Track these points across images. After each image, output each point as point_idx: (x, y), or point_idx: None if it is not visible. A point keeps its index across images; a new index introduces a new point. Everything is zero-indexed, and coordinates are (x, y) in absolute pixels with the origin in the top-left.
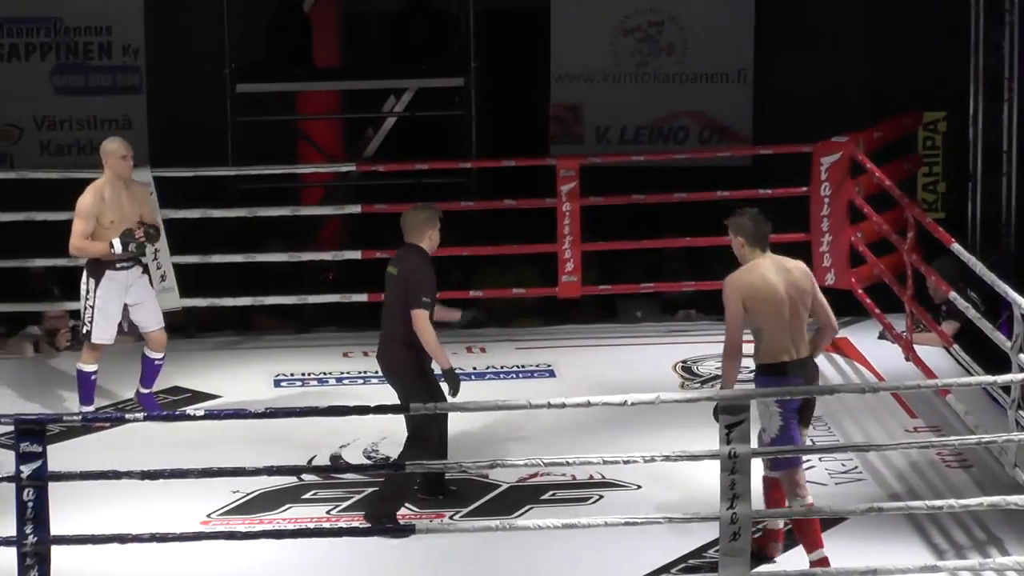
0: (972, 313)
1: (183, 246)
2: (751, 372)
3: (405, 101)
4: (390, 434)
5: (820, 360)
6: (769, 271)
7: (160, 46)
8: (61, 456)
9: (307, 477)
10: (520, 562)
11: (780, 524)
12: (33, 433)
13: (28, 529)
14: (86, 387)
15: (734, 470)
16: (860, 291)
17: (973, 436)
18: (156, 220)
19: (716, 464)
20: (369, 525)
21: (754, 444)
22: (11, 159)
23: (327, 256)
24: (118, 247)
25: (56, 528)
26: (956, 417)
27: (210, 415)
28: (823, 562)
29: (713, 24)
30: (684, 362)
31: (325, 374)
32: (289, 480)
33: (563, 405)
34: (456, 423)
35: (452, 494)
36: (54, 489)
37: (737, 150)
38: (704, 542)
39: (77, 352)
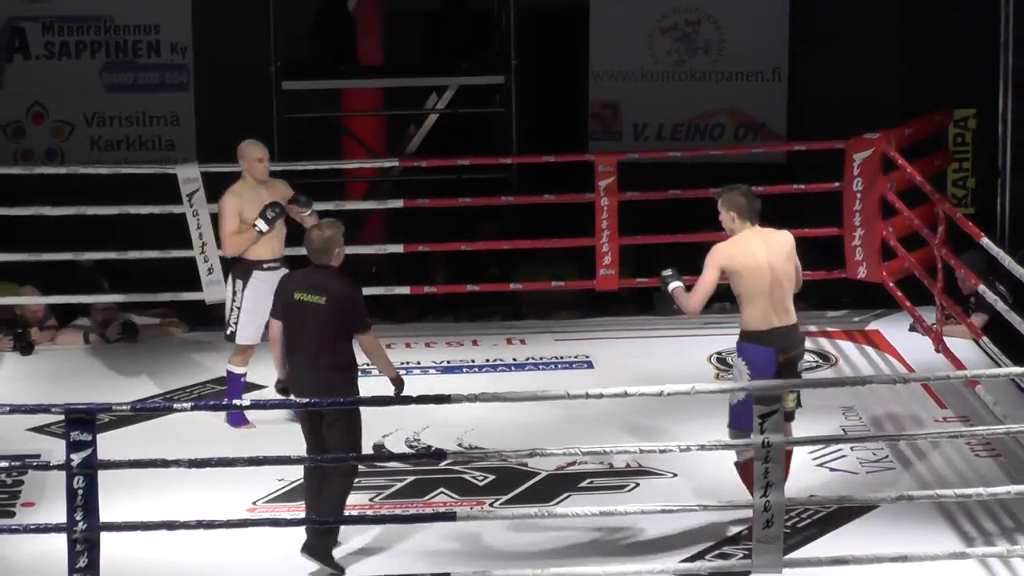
0: (1001, 306)
1: None
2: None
3: (447, 98)
4: (432, 424)
5: (852, 352)
6: (754, 243)
7: (207, 44)
8: (111, 445)
9: None
10: (558, 548)
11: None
12: (83, 422)
13: (78, 516)
14: (235, 387)
15: (767, 459)
16: (891, 284)
17: (1001, 426)
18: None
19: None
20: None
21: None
22: (62, 155)
23: (370, 250)
24: (262, 225)
25: (105, 515)
26: (985, 407)
27: (256, 404)
28: None
29: (748, 23)
30: (719, 354)
31: (368, 365)
32: None
33: (600, 396)
34: (496, 413)
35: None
36: (103, 477)
37: (772, 147)
38: (738, 529)
39: (127, 343)
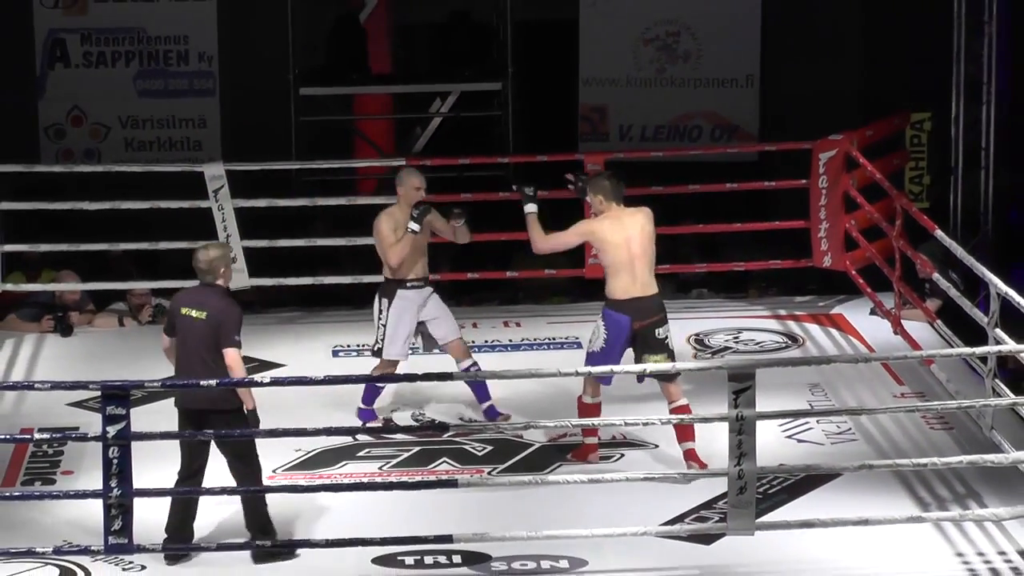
0: (953, 292)
1: (252, 232)
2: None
3: (449, 103)
4: (435, 399)
5: (817, 334)
6: (617, 220)
7: (231, 54)
8: (144, 418)
9: (361, 437)
10: (550, 513)
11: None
12: (118, 397)
13: (113, 483)
14: (371, 392)
15: (741, 431)
16: (854, 272)
17: (954, 401)
18: (452, 236)
19: (725, 426)
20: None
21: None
22: (99, 154)
23: None
24: (413, 225)
25: (138, 482)
26: (939, 384)
27: (276, 382)
28: (691, 453)
29: (724, 34)
30: (697, 335)
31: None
32: (345, 440)
33: (589, 373)
34: (494, 389)
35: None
36: (136, 448)
37: (745, 147)
38: (714, 495)
39: (158, 325)
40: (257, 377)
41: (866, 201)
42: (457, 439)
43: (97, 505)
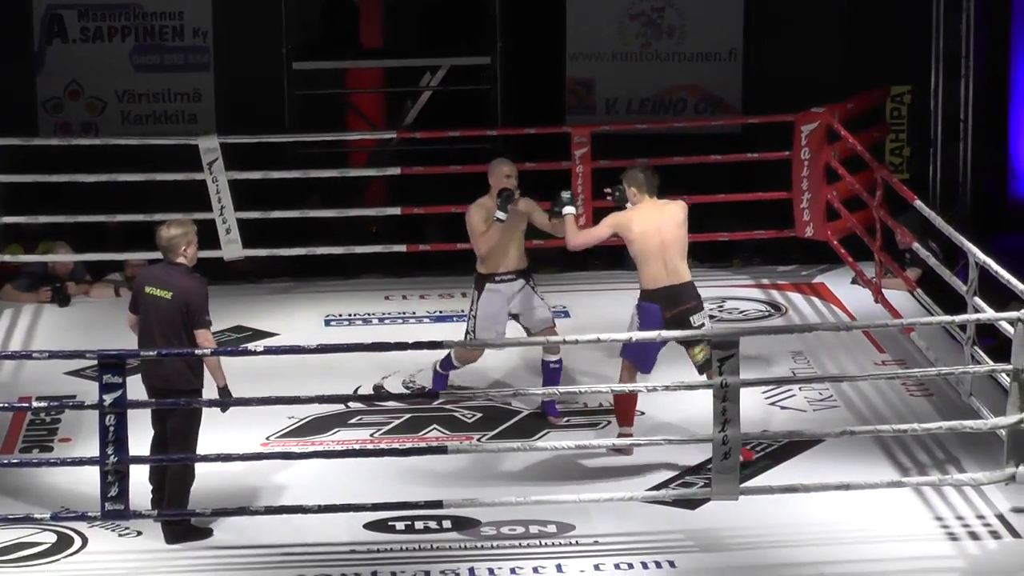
0: (933, 261)
1: (246, 203)
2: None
3: (439, 77)
4: (426, 367)
5: (800, 302)
6: (648, 211)
7: (226, 29)
8: (139, 387)
9: (353, 405)
10: (538, 479)
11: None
12: (114, 366)
13: (110, 450)
14: (442, 378)
15: (725, 398)
16: (835, 242)
17: (933, 368)
18: (546, 226)
19: (709, 393)
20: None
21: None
22: (96, 128)
23: (371, 212)
24: (500, 215)
25: (134, 450)
26: (919, 352)
27: (269, 350)
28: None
29: (708, 9)
30: None
31: (369, 314)
32: (337, 407)
33: (576, 341)
34: (485, 358)
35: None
36: (132, 416)
37: (728, 120)
38: (699, 460)
39: None
40: (250, 346)
41: (847, 172)
42: (447, 406)
43: (94, 472)
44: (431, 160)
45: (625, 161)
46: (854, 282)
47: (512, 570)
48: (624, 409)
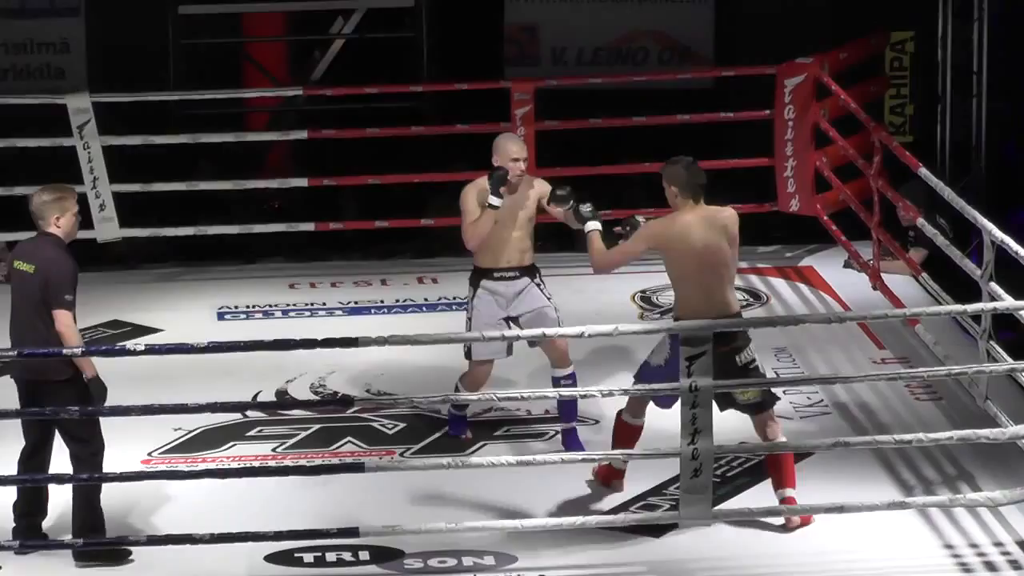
0: (941, 240)
1: (123, 174)
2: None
3: (354, 22)
4: (339, 368)
5: (784, 289)
6: (693, 225)
7: None
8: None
9: (252, 414)
10: (473, 501)
11: (623, 465)
12: None
13: None
14: (459, 420)
15: (695, 404)
16: (825, 217)
17: (943, 367)
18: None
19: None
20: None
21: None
22: None
23: (272, 184)
24: (493, 200)
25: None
26: (925, 348)
27: (151, 349)
28: (789, 500)
29: None
30: (643, 292)
31: (271, 306)
32: (234, 417)
33: (517, 337)
34: (407, 357)
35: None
36: None
37: (698, 72)
38: (665, 479)
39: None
40: (130, 344)
41: (839, 135)
42: (364, 415)
43: None
44: (344, 122)
45: (574, 122)
46: (848, 265)
47: None
48: (624, 444)
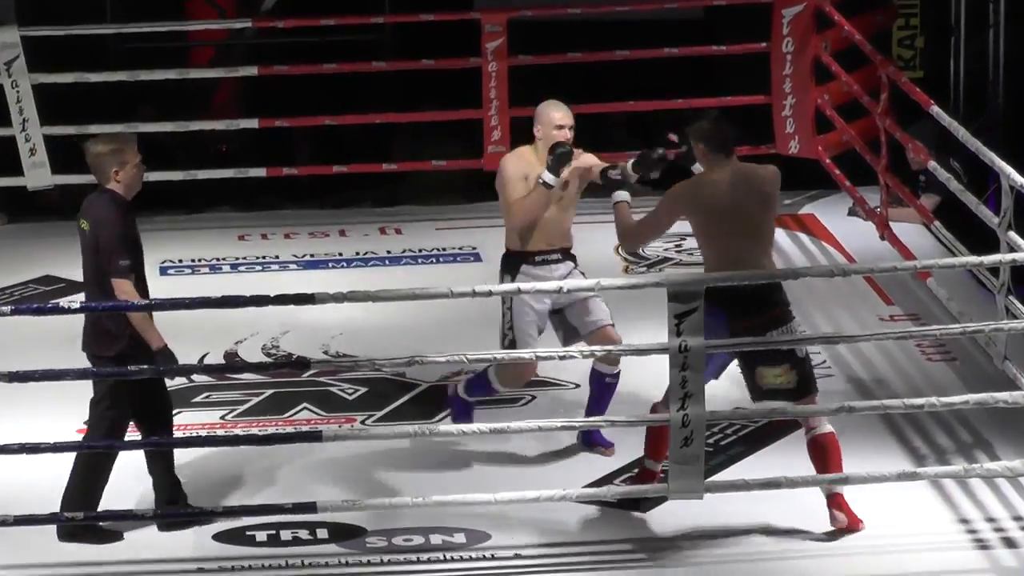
0: (954, 185)
1: (56, 115)
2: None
3: None
4: (293, 328)
5: (782, 240)
6: (723, 184)
7: None
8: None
9: (198, 378)
10: (442, 473)
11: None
12: None
13: None
14: (481, 386)
15: (685, 366)
16: (828, 160)
17: (957, 325)
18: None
19: (665, 360)
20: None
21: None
22: None
23: (219, 125)
24: (548, 177)
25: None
26: (938, 303)
27: (87, 307)
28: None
29: None
30: None
31: (218, 260)
32: (179, 381)
33: (490, 293)
34: (368, 315)
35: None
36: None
37: (687, 1)
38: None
39: None
40: (62, 303)
41: (843, 70)
42: (321, 379)
43: None
44: (298, 57)
45: (551, 56)
46: (852, 213)
47: None
48: (654, 441)
